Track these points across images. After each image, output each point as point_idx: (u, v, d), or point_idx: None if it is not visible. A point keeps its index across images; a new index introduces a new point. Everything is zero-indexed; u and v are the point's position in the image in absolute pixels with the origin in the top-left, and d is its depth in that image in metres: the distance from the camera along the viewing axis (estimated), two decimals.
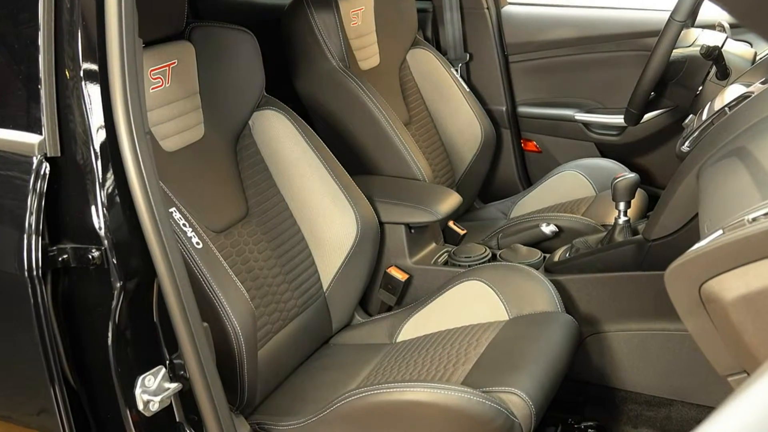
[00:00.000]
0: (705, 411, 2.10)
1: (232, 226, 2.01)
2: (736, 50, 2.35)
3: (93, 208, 1.38)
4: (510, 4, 3.15)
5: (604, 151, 3.02)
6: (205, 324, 1.47)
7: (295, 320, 2.10)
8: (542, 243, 2.51)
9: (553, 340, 1.88)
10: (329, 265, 2.18)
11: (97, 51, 1.35)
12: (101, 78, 1.36)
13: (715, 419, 0.60)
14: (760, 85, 1.72)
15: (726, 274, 1.04)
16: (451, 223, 2.70)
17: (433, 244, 2.52)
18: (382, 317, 2.25)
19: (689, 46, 2.37)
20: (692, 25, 2.46)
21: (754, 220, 1.04)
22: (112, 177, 1.39)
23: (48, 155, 1.39)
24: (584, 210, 2.67)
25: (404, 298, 2.41)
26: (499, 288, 2.06)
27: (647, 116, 2.68)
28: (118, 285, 1.39)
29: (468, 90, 2.98)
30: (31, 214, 1.39)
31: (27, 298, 1.39)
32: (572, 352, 1.92)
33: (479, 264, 2.33)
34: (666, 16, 2.25)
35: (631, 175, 2.20)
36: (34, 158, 1.40)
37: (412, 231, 2.41)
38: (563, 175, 2.88)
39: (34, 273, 1.38)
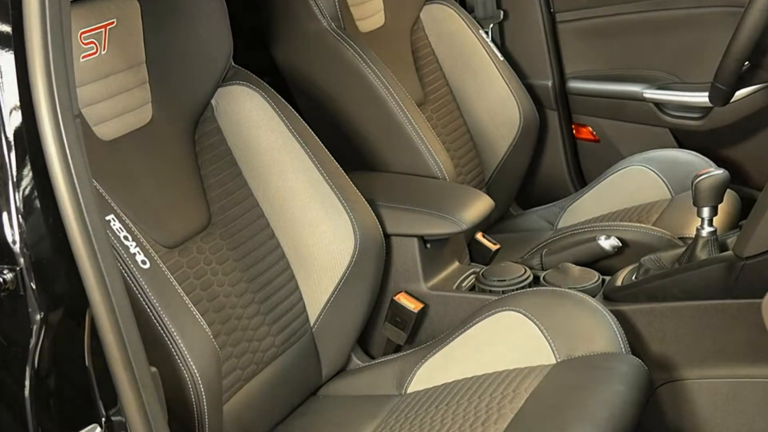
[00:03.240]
0: None
1: (190, 240, 2.01)
2: None
3: (5, 215, 1.39)
4: None
5: (682, 139, 3.02)
6: (154, 369, 1.47)
7: (272, 364, 2.10)
8: (601, 262, 2.51)
9: (614, 390, 1.88)
10: (318, 291, 2.19)
11: (10, 7, 1.35)
12: (15, 43, 1.36)
13: None
14: None
15: None
16: (479, 236, 2.70)
17: (456, 264, 2.52)
18: (388, 360, 2.25)
19: None
20: None
21: None
22: (31, 174, 1.39)
23: None
24: (656, 218, 2.66)
25: (417, 334, 2.41)
26: (543, 321, 2.06)
27: (739, 94, 2.68)
28: (38, 317, 1.39)
29: (502, 59, 2.98)
30: None
31: None
32: (640, 407, 1.91)
33: (517, 289, 2.33)
34: None
35: (717, 172, 2.20)
36: None
37: (428, 246, 2.41)
38: (628, 172, 2.88)
39: None
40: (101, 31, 1.93)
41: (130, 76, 2.01)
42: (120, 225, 1.81)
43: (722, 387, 2.12)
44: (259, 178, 2.19)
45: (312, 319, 2.19)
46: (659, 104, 3.00)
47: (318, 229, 2.18)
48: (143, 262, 1.79)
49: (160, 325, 1.75)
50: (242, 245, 2.11)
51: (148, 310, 1.75)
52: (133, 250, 1.79)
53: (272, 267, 2.15)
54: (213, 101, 2.18)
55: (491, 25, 3.15)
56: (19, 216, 1.38)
